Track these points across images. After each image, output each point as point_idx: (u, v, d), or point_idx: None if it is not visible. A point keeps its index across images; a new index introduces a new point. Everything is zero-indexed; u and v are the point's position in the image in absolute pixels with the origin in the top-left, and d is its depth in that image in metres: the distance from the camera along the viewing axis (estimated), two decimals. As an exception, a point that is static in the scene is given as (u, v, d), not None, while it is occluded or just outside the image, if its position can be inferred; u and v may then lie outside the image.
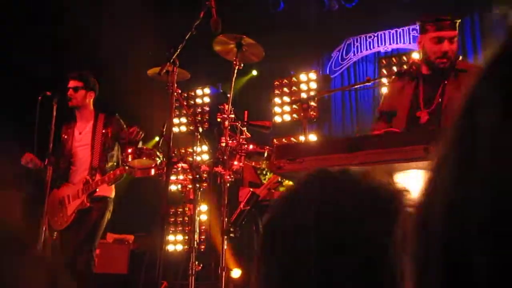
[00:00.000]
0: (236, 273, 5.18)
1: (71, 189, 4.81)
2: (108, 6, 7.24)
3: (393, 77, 3.64)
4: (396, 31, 7.56)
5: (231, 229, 3.71)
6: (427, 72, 3.36)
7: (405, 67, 4.94)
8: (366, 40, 7.95)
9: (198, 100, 8.57)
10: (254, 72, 8.09)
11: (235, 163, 3.82)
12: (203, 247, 7.01)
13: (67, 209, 4.74)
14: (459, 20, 3.26)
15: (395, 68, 7.20)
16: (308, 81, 7.89)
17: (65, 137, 4.99)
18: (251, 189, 4.14)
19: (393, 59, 7.38)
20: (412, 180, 2.47)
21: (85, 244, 4.64)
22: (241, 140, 3.85)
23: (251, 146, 3.84)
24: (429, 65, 3.27)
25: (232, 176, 3.78)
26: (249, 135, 3.98)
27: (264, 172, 4.22)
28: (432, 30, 3.20)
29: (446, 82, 3.03)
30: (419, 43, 3.34)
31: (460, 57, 3.42)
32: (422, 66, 3.38)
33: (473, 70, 3.21)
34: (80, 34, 7.09)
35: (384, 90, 7.15)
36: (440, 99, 3.18)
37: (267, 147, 3.88)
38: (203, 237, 7.06)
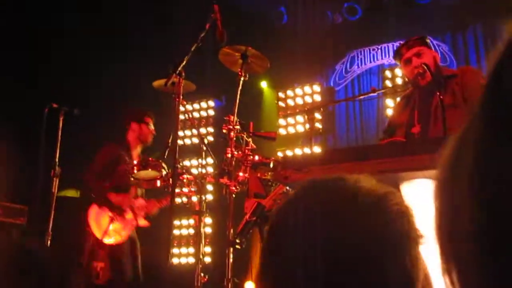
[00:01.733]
0: (249, 286, 5.12)
1: None
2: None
3: (398, 99, 3.76)
4: (400, 43, 7.58)
5: (237, 240, 3.70)
6: (422, 92, 3.42)
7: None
8: (370, 52, 7.98)
9: (203, 113, 8.59)
10: (264, 84, 8.12)
11: (241, 174, 3.83)
12: (208, 259, 6.98)
13: None
14: (424, 37, 3.41)
15: (399, 81, 7.23)
16: (312, 93, 7.91)
17: None
18: (257, 200, 4.13)
19: (397, 71, 7.39)
20: (419, 189, 2.48)
21: None
22: (246, 151, 3.86)
23: (256, 157, 3.85)
24: (414, 86, 3.33)
25: (237, 187, 3.79)
26: (255, 146, 3.98)
27: (270, 183, 4.21)
28: (403, 54, 3.35)
29: (438, 93, 3.06)
30: (405, 75, 3.51)
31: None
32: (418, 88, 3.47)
33: (463, 72, 3.27)
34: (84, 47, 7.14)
35: (388, 101, 7.21)
36: (433, 113, 3.24)
37: (273, 158, 3.88)
38: (208, 249, 7.04)
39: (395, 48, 7.63)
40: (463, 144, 0.50)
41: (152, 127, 5.33)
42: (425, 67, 3.21)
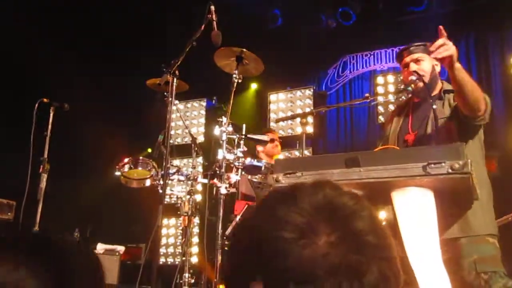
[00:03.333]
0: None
1: None
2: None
3: (390, 106, 3.79)
4: (393, 50, 7.63)
5: (226, 243, 3.69)
6: (417, 100, 3.43)
7: (400, 86, 5.14)
8: (362, 58, 8.02)
9: (194, 112, 8.57)
10: (254, 86, 8.13)
11: (232, 176, 3.82)
12: (196, 260, 6.97)
13: None
14: (426, 44, 3.41)
15: (390, 87, 7.26)
16: (304, 97, 7.93)
17: None
18: (247, 202, 4.13)
19: (389, 77, 7.43)
20: (410, 197, 2.49)
21: None
22: (238, 153, 3.86)
23: (248, 159, 3.85)
24: (407, 91, 3.33)
25: (228, 189, 3.78)
26: (246, 148, 3.98)
27: (260, 186, 4.22)
28: (403, 57, 3.36)
29: (433, 105, 3.08)
30: (402, 79, 3.51)
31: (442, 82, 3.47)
32: (413, 96, 3.48)
33: None
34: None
35: (380, 108, 7.24)
36: (427, 122, 3.25)
37: (264, 161, 3.88)
38: (196, 250, 7.02)
39: (387, 54, 7.73)
40: None
41: None
42: (418, 75, 3.23)
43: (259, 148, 5.29)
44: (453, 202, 2.70)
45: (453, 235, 2.92)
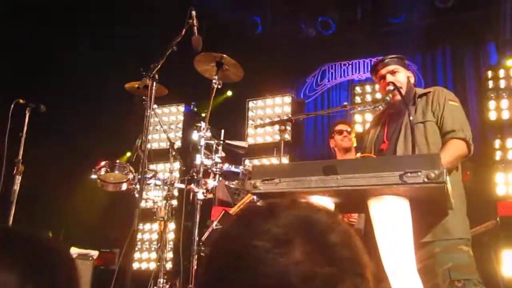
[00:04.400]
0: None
1: None
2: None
3: (367, 115, 3.87)
4: (371, 60, 7.71)
5: (202, 248, 3.68)
6: (393, 111, 3.48)
7: (378, 96, 5.25)
8: (341, 67, 8.09)
9: (173, 117, 8.53)
10: (229, 93, 8.12)
11: (209, 181, 3.81)
12: (171, 265, 6.91)
13: None
14: (402, 57, 3.50)
15: (368, 97, 7.34)
16: (282, 104, 7.96)
17: None
18: (224, 208, 4.12)
19: (367, 87, 7.51)
20: (385, 205, 2.51)
21: None
22: (216, 158, 3.85)
23: (225, 165, 3.84)
24: (385, 102, 3.37)
25: (205, 194, 3.77)
26: (224, 154, 3.98)
27: (237, 192, 4.21)
28: (378, 70, 3.41)
29: (408, 114, 3.14)
30: (379, 91, 3.56)
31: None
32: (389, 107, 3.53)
33: (435, 90, 3.36)
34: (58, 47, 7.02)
35: (357, 117, 7.31)
36: (399, 131, 3.31)
37: (242, 167, 3.88)
38: (171, 255, 6.97)
39: (365, 65, 7.82)
40: None
41: None
42: (395, 86, 3.28)
43: (332, 142, 5.18)
44: (428, 211, 2.74)
45: (426, 239, 2.96)
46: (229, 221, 0.94)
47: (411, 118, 3.07)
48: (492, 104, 6.67)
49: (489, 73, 6.79)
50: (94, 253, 6.55)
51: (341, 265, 0.84)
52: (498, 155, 6.47)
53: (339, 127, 5.12)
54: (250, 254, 0.82)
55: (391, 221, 2.50)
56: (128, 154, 6.04)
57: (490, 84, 6.74)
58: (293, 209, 0.89)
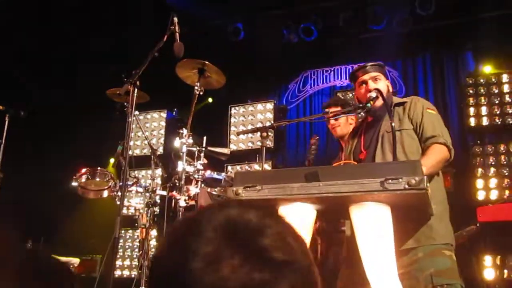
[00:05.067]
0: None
1: None
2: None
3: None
4: (352, 66, 7.75)
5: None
6: (370, 119, 3.51)
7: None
8: (323, 74, 8.13)
9: (154, 124, 8.49)
10: (210, 100, 8.11)
11: (191, 188, 3.79)
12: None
13: None
14: (382, 64, 3.53)
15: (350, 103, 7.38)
16: (264, 110, 7.97)
17: None
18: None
19: (349, 93, 7.55)
20: (367, 212, 2.52)
21: None
22: (198, 165, 3.83)
23: (208, 172, 3.83)
24: (365, 109, 3.39)
25: (187, 201, 3.75)
26: (206, 161, 3.96)
27: (220, 199, 4.19)
28: (358, 76, 3.43)
29: (390, 122, 3.16)
30: (356, 98, 3.58)
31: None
32: (367, 116, 3.56)
33: (412, 99, 3.40)
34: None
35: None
36: (377, 138, 3.33)
37: (224, 173, 3.87)
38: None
39: (347, 71, 7.86)
40: None
41: None
42: (378, 92, 3.30)
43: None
44: (409, 217, 2.76)
45: (408, 246, 2.97)
46: (161, 243, 0.93)
47: (393, 124, 3.09)
48: (471, 110, 6.78)
49: (469, 80, 6.90)
50: (75, 261, 6.48)
51: (275, 269, 0.82)
52: (477, 161, 6.56)
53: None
54: (186, 276, 0.82)
55: (373, 228, 2.51)
56: (112, 160, 5.99)
57: (470, 90, 6.84)
58: (220, 215, 0.88)
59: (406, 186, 2.36)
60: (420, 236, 3.00)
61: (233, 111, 8.10)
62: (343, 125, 4.48)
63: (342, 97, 7.24)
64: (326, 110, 4.64)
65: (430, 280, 2.91)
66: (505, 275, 5.22)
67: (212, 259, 0.82)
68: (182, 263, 0.83)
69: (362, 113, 3.51)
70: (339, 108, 4.25)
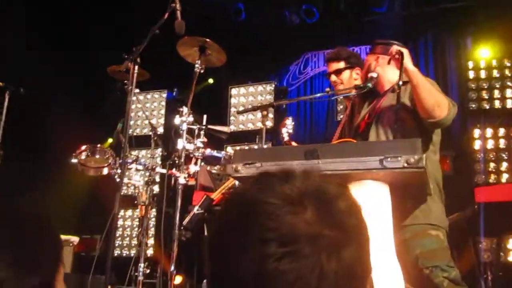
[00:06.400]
0: (176, 280, 5.12)
1: None
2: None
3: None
4: (353, 49, 7.72)
5: (183, 233, 3.68)
6: (367, 99, 3.54)
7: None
8: (324, 56, 8.09)
9: (155, 104, 8.47)
10: (211, 81, 8.09)
11: (191, 166, 3.80)
12: (151, 251, 6.91)
13: None
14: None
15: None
16: (265, 92, 7.95)
17: None
18: (206, 193, 4.12)
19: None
20: (366, 190, 2.53)
21: None
22: (198, 143, 3.84)
23: (208, 150, 3.83)
24: (369, 89, 3.41)
25: (187, 179, 3.76)
26: (206, 139, 3.97)
27: (219, 177, 4.21)
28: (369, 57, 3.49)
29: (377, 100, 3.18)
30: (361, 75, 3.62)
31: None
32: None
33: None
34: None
35: (339, 105, 7.34)
36: (372, 117, 3.36)
37: (224, 152, 3.88)
38: (152, 241, 6.96)
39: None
40: None
41: None
42: (376, 76, 3.33)
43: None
44: (407, 196, 2.77)
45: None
46: (247, 182, 0.99)
47: (398, 106, 3.09)
48: (472, 94, 6.78)
49: (470, 64, 6.89)
50: (75, 239, 6.51)
51: (347, 231, 0.88)
52: (477, 145, 6.57)
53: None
54: (262, 208, 0.87)
55: (371, 206, 2.52)
56: (110, 140, 6.00)
57: (471, 74, 6.84)
58: (306, 177, 0.94)
59: (405, 165, 2.36)
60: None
61: (233, 92, 8.08)
62: (347, 81, 4.00)
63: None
64: (327, 70, 4.35)
65: (416, 262, 2.92)
66: (501, 258, 5.26)
67: (293, 202, 0.87)
68: (264, 198, 0.88)
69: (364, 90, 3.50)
70: (341, 63, 3.98)
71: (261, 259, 0.83)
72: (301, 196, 0.88)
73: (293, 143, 3.76)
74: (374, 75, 3.33)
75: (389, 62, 3.25)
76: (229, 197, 1.00)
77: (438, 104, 3.03)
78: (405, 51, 3.13)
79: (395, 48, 3.16)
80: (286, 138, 3.78)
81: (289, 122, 3.85)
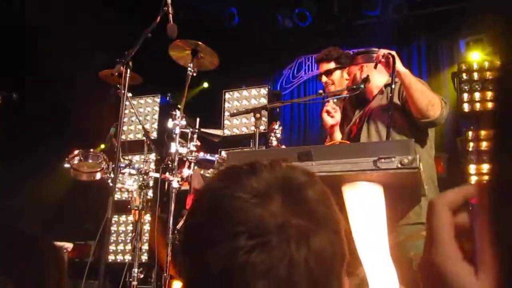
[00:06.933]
0: (176, 285, 5.09)
1: None
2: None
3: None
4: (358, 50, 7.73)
5: (177, 237, 3.66)
6: (357, 101, 3.55)
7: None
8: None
9: (148, 109, 8.44)
10: (205, 85, 8.08)
11: (184, 170, 3.79)
12: (146, 257, 6.87)
13: None
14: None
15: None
16: (259, 96, 7.94)
17: None
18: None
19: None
20: (360, 192, 2.53)
21: None
22: (191, 147, 3.82)
23: (201, 154, 3.82)
24: (362, 90, 3.42)
25: (180, 183, 3.74)
26: (199, 142, 3.95)
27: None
28: (357, 60, 3.49)
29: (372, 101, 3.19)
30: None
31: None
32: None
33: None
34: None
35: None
36: (363, 119, 3.37)
37: (217, 155, 3.87)
38: (146, 246, 6.92)
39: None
40: None
41: None
42: (366, 79, 3.34)
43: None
44: (402, 197, 2.76)
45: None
46: (213, 176, 1.00)
47: (390, 106, 3.09)
48: (465, 96, 6.80)
49: (463, 66, 6.92)
50: (69, 246, 6.46)
51: (316, 219, 0.89)
52: (470, 146, 6.58)
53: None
54: (230, 203, 0.88)
55: (365, 207, 2.51)
56: (102, 146, 5.98)
57: (464, 76, 6.87)
58: (272, 167, 0.94)
59: (399, 165, 2.36)
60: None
61: (227, 96, 8.06)
62: (338, 81, 4.05)
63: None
64: (319, 73, 4.38)
65: (410, 264, 2.92)
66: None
67: (260, 194, 0.88)
68: (232, 192, 0.89)
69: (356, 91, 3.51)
70: (331, 63, 4.03)
71: (231, 253, 0.84)
72: (268, 188, 0.89)
73: (283, 147, 3.76)
74: (365, 76, 3.34)
75: (375, 67, 3.24)
76: (199, 193, 1.00)
77: (432, 103, 3.04)
78: (394, 53, 3.14)
79: (382, 51, 3.17)
80: (274, 143, 3.76)
81: (277, 127, 3.84)
